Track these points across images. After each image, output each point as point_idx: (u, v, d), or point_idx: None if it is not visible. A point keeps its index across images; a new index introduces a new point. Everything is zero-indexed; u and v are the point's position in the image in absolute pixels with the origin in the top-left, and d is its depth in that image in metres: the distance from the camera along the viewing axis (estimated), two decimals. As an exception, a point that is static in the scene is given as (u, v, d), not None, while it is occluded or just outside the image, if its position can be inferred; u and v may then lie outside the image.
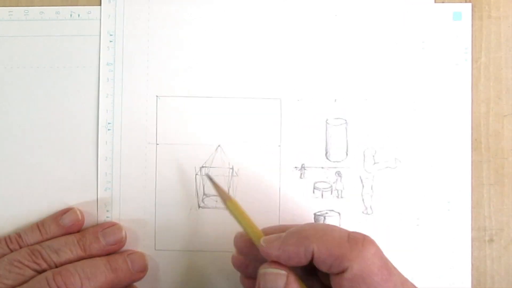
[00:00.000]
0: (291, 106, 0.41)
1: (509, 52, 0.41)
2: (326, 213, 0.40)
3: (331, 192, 0.40)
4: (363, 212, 0.40)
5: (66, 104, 0.41)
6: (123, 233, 0.39)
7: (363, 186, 0.40)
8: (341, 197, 0.40)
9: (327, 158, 0.41)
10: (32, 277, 0.35)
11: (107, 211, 0.40)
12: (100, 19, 0.41)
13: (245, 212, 0.35)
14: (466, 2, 0.41)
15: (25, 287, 0.35)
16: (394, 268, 0.30)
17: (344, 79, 0.41)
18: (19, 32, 0.41)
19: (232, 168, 0.40)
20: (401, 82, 0.41)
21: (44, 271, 0.36)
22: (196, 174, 0.40)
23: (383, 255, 0.30)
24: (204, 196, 0.40)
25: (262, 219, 0.38)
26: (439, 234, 0.40)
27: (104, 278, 0.37)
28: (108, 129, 0.40)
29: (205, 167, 0.40)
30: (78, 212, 0.39)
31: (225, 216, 0.38)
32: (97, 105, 0.40)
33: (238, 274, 0.37)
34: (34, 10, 0.41)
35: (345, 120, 0.41)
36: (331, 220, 0.40)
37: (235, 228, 0.35)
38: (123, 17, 0.41)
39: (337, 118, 0.41)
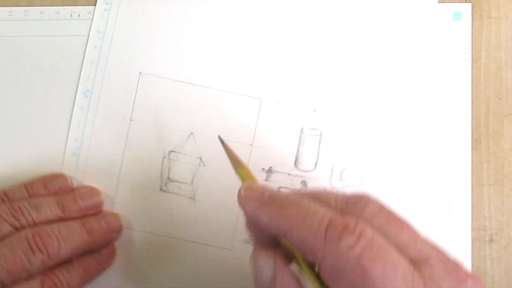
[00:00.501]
0: (270, 108, 0.41)
1: (509, 52, 0.41)
2: None
3: None
4: None
5: (66, 103, 0.41)
6: (101, 197, 0.40)
7: None
8: None
9: (295, 166, 0.40)
10: (9, 233, 0.35)
11: (69, 177, 0.40)
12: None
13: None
14: (466, 2, 0.41)
15: (5, 243, 0.35)
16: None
17: (327, 89, 0.40)
18: (19, 32, 0.41)
19: (201, 158, 0.40)
20: (401, 82, 0.41)
21: (22, 228, 0.36)
22: (164, 157, 0.40)
23: (379, 242, 0.25)
24: (167, 181, 0.40)
25: (220, 212, 0.40)
26: (439, 234, 0.40)
27: (80, 239, 0.37)
28: (86, 96, 0.40)
29: (174, 152, 0.40)
30: (68, 179, 0.40)
31: (185, 203, 0.40)
32: (79, 72, 0.40)
33: (189, 263, 0.39)
34: (34, 10, 0.41)
35: (320, 132, 0.40)
36: None
37: (193, 216, 0.38)
38: None
39: (313, 129, 0.41)
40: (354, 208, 0.27)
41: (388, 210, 0.27)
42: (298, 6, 0.41)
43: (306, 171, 0.40)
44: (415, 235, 0.27)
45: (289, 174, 0.40)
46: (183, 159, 0.40)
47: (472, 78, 0.41)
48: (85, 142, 0.40)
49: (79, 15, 0.41)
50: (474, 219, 0.40)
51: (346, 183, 0.40)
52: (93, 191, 0.40)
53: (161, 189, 0.40)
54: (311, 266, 0.27)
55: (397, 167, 0.40)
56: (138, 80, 0.40)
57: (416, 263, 0.25)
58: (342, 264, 0.25)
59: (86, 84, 0.40)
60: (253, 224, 0.30)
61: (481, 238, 0.40)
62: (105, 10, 0.41)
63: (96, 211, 0.39)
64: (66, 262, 0.37)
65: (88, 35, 0.41)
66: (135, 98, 0.40)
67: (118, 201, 0.40)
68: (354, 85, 0.41)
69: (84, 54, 0.41)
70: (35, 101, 0.41)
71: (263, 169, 0.40)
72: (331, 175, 0.40)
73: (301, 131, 0.41)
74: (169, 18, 0.41)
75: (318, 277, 0.26)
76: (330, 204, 0.28)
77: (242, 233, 0.40)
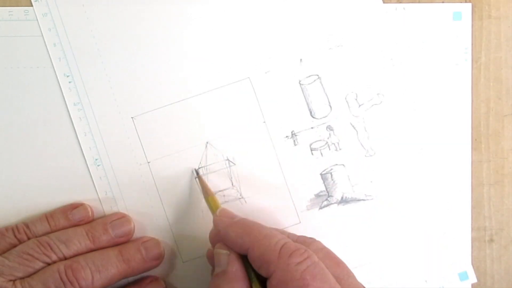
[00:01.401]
0: (261, 81, 0.40)
1: (509, 52, 0.41)
2: (331, 169, 0.40)
3: (329, 147, 0.40)
4: (365, 156, 0.40)
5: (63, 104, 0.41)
6: (132, 225, 0.39)
7: (357, 131, 0.40)
8: (340, 149, 0.40)
9: (313, 117, 0.41)
10: (41, 269, 0.35)
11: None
12: (37, 20, 0.40)
13: (209, 188, 0.38)
14: (466, 2, 0.41)
15: (36, 278, 0.35)
16: (332, 277, 0.31)
17: (305, 36, 0.40)
18: (19, 32, 0.41)
19: (228, 159, 0.40)
20: (401, 82, 0.41)
21: (53, 262, 0.36)
22: (195, 178, 0.40)
23: (321, 265, 0.31)
24: None
25: (273, 198, 0.40)
26: (439, 234, 0.40)
27: (116, 269, 0.36)
28: (98, 165, 0.40)
29: (201, 167, 0.40)
30: (88, 209, 0.39)
31: (238, 206, 0.40)
32: (79, 145, 0.40)
33: None
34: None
35: (317, 75, 0.40)
36: (338, 174, 0.40)
37: (251, 214, 0.39)
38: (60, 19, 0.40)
39: (309, 76, 0.41)
40: (303, 243, 0.33)
41: (328, 249, 0.34)
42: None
43: (325, 117, 0.40)
44: (348, 272, 0.33)
45: (312, 128, 0.40)
46: (213, 169, 0.40)
47: (472, 78, 0.41)
48: (120, 206, 0.40)
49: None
50: (474, 219, 0.40)
51: (366, 106, 0.40)
52: (124, 219, 0.39)
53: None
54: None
55: (397, 167, 0.40)
56: (134, 124, 0.40)
57: None
58: (289, 276, 0.30)
59: (92, 155, 0.40)
60: (218, 239, 0.35)
61: (481, 238, 0.40)
62: (67, 76, 0.40)
63: (127, 240, 0.39)
64: None
65: (66, 108, 0.40)
66: (140, 141, 0.40)
67: (178, 238, 0.40)
68: (317, 40, 0.41)
69: (73, 127, 0.40)
70: (35, 101, 0.41)
71: (286, 136, 0.40)
72: (349, 107, 0.40)
73: (300, 83, 0.41)
74: (130, 49, 0.40)
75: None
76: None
77: (301, 203, 0.40)
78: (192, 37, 0.40)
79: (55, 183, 0.40)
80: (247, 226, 0.34)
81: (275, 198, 0.40)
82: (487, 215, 0.41)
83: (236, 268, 0.32)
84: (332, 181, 0.40)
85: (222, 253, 0.33)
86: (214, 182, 0.40)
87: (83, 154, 0.40)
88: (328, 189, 0.40)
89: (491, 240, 0.41)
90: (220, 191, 0.40)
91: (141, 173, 0.40)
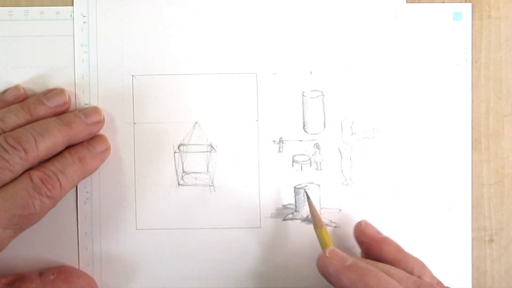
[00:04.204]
0: (267, 80, 0.41)
1: (509, 52, 0.41)
2: (306, 185, 0.40)
3: (310, 164, 0.41)
4: (342, 183, 0.40)
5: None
6: (67, 95, 0.39)
7: (341, 157, 0.40)
8: (320, 169, 0.41)
9: (305, 131, 0.41)
10: None
11: (87, 192, 0.40)
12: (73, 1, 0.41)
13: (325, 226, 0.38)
14: (466, 2, 0.41)
15: None
16: None
17: (320, 51, 0.40)
18: (19, 32, 0.41)
19: (211, 144, 0.40)
20: (401, 82, 0.41)
21: None
22: (175, 152, 0.40)
23: None
24: (183, 174, 0.40)
25: (241, 193, 0.40)
26: (439, 234, 0.40)
27: (59, 132, 0.36)
28: (85, 104, 0.40)
29: (184, 144, 0.40)
30: (66, 94, 0.39)
31: (206, 192, 0.40)
32: (74, 87, 0.40)
33: (220, 250, 0.39)
34: (34, 10, 0.41)
35: (322, 92, 0.41)
36: (311, 192, 0.40)
37: (216, 203, 0.40)
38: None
39: (314, 90, 0.41)
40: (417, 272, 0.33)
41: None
42: None
43: (316, 134, 0.41)
44: None
45: (300, 140, 0.41)
46: (194, 150, 0.40)
47: (472, 78, 0.41)
48: None
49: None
50: (474, 219, 0.40)
51: (358, 136, 0.40)
52: (57, 90, 0.39)
53: (179, 184, 0.40)
54: None
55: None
56: (132, 83, 0.40)
57: None
58: None
59: (83, 99, 0.40)
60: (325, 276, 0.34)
61: (481, 238, 0.40)
62: (84, 23, 0.41)
63: (66, 109, 0.39)
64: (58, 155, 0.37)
65: (74, 51, 0.41)
66: (133, 101, 0.40)
67: (139, 204, 0.40)
68: (330, 56, 0.41)
69: (74, 70, 0.40)
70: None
71: (274, 141, 0.41)
72: (341, 132, 0.40)
73: (302, 95, 0.41)
74: (150, 10, 0.41)
75: None
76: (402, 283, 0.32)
77: (267, 209, 0.40)
78: (215, 20, 0.41)
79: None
80: (363, 273, 0.32)
81: (244, 196, 0.40)
82: (487, 215, 0.41)
83: None
84: (303, 197, 0.40)
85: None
86: (191, 163, 0.40)
87: (75, 96, 0.40)
88: (296, 204, 0.40)
89: (491, 240, 0.41)
90: (193, 172, 0.40)
91: (123, 132, 0.40)
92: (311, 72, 0.40)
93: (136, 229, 0.40)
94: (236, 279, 0.40)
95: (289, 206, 0.40)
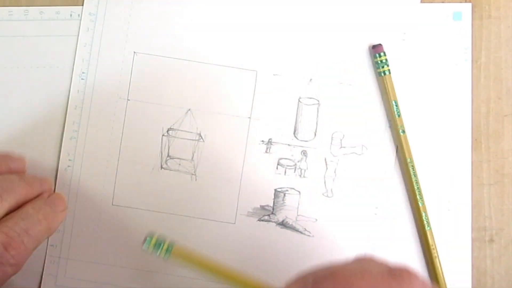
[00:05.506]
0: (266, 80, 0.41)
1: (509, 52, 0.41)
2: (287, 190, 0.40)
3: (295, 170, 0.41)
4: (323, 194, 0.40)
5: (62, 102, 0.41)
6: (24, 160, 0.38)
7: (326, 168, 0.41)
8: (304, 177, 0.41)
9: (295, 136, 0.41)
10: None
11: (69, 160, 0.40)
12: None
13: None
14: (466, 2, 0.41)
15: None
16: None
17: (323, 60, 0.41)
18: (19, 32, 0.41)
19: (200, 134, 0.41)
20: (400, 82, 0.41)
21: None
22: (163, 135, 0.40)
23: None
24: (168, 158, 0.41)
25: (221, 186, 0.40)
26: (439, 234, 0.40)
27: (23, 189, 0.35)
28: (82, 79, 0.41)
29: (173, 129, 0.40)
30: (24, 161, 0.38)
31: (187, 179, 0.40)
32: (74, 54, 0.41)
33: (192, 240, 0.40)
34: (34, 10, 0.41)
35: (318, 101, 0.41)
36: (290, 198, 0.40)
37: (195, 192, 0.40)
38: None
39: (310, 98, 0.41)
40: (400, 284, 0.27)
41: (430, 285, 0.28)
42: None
43: (305, 141, 0.41)
44: None
45: (288, 145, 0.41)
46: (182, 136, 0.41)
47: (472, 78, 0.41)
48: (83, 124, 0.40)
49: (79, 15, 0.41)
50: (474, 219, 0.40)
51: (346, 150, 0.40)
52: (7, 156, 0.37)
53: (161, 167, 0.41)
54: None
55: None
56: (133, 59, 0.41)
57: None
58: None
59: (81, 67, 0.41)
60: None
61: (481, 238, 0.40)
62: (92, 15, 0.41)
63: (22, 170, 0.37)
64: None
65: (80, 18, 0.41)
66: (130, 78, 0.41)
67: (119, 180, 0.40)
68: (330, 67, 0.41)
69: (78, 37, 0.41)
70: (35, 101, 0.41)
71: (262, 141, 0.41)
72: (331, 143, 0.41)
73: (299, 100, 0.41)
74: (157, 9, 0.41)
75: None
76: (374, 274, 0.28)
77: (244, 207, 0.40)
78: (223, 14, 0.41)
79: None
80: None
81: (223, 189, 0.40)
82: (487, 215, 0.41)
83: None
84: (282, 201, 0.40)
85: None
86: (177, 148, 0.40)
87: (73, 66, 0.41)
88: (274, 207, 0.40)
89: (491, 240, 0.41)
90: (178, 158, 0.40)
91: (115, 106, 0.40)
92: (311, 80, 0.41)
93: (112, 204, 0.40)
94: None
95: (266, 207, 0.40)
